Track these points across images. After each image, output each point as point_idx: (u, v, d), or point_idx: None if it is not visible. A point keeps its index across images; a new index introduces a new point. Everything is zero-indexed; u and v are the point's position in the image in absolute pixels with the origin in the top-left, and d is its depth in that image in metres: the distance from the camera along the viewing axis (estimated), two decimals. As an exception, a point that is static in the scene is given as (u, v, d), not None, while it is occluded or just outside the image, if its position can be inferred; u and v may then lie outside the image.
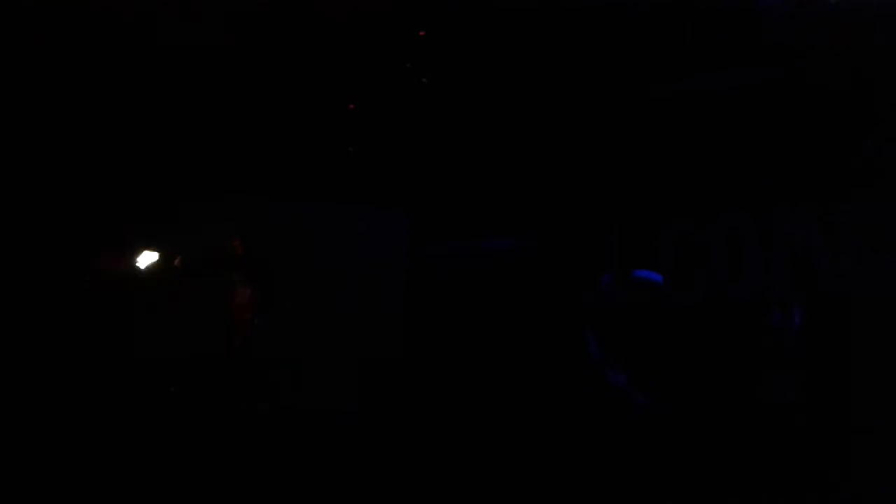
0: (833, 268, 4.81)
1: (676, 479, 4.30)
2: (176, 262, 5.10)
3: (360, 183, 5.35)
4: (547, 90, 5.16)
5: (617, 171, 5.18)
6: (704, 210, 5.11)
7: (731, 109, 5.18)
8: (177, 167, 5.44)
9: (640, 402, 4.46)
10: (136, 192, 5.40)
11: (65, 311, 5.35)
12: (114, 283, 5.47)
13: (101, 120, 5.28)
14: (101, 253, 5.47)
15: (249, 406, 4.95)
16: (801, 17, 5.05)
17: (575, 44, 4.96)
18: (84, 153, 5.35)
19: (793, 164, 5.03)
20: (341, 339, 5.44)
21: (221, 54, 5.00)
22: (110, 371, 5.21)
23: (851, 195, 4.86)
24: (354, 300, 5.48)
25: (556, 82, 5.13)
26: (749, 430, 4.51)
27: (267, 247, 5.21)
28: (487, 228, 5.37)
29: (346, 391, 5.16)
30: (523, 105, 5.21)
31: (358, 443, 4.65)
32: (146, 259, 5.21)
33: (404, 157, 5.33)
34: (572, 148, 5.20)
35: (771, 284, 4.85)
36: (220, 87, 5.12)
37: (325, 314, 5.41)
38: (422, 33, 4.78)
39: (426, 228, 5.46)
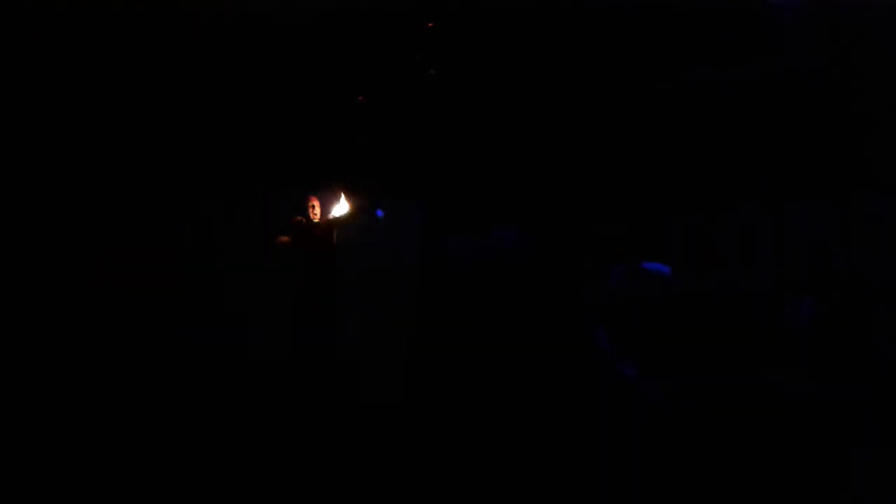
0: (846, 262, 4.81)
1: (689, 473, 4.30)
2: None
3: (370, 174, 5.34)
4: (555, 81, 5.15)
5: (627, 163, 5.18)
6: (715, 203, 5.12)
7: (739, 105, 5.18)
8: (184, 164, 5.42)
9: (651, 395, 4.45)
10: (145, 191, 5.38)
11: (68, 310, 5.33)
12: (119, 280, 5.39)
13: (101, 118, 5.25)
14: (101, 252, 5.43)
15: None
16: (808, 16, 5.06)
17: (583, 35, 4.97)
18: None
19: (805, 158, 5.04)
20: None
21: (227, 48, 4.99)
22: (120, 368, 5.18)
23: (864, 190, 4.86)
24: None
25: (565, 73, 5.13)
26: (760, 424, 4.51)
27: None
28: (496, 221, 5.36)
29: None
30: (531, 97, 5.20)
31: (368, 433, 4.64)
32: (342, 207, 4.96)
33: (415, 149, 5.32)
34: (582, 139, 5.19)
35: (783, 278, 4.85)
36: (226, 81, 5.11)
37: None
38: (430, 25, 4.78)
39: (435, 221, 5.44)
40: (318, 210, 4.81)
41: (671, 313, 4.71)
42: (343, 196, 4.80)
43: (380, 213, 4.85)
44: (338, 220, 4.80)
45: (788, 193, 5.01)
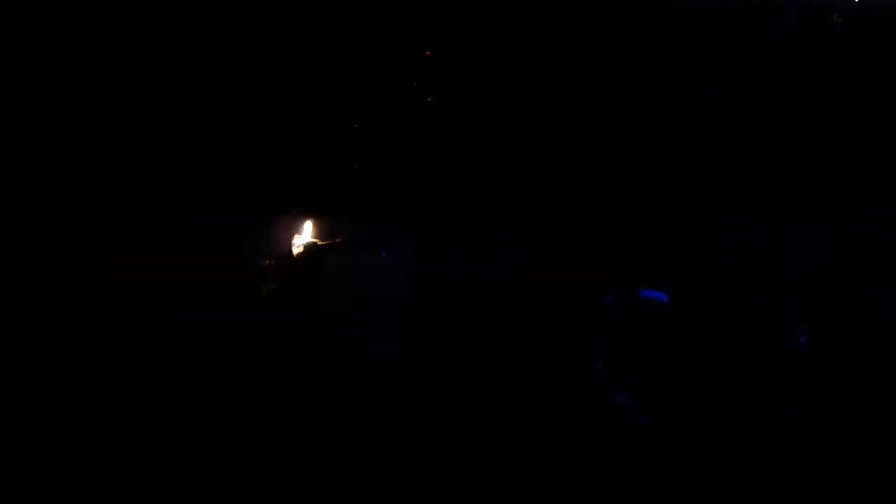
0: (841, 285, 4.81)
1: (680, 500, 4.31)
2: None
3: (366, 200, 5.36)
4: (553, 107, 5.18)
5: (622, 189, 5.19)
6: (709, 226, 5.12)
7: (732, 121, 5.19)
8: (179, 189, 5.42)
9: (645, 423, 4.47)
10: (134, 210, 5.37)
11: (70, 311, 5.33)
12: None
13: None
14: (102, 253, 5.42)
15: None
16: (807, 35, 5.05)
17: (578, 66, 4.99)
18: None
19: (800, 177, 5.04)
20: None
21: (220, 70, 5.02)
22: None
23: (859, 213, 4.86)
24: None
25: (563, 100, 5.15)
26: (755, 450, 4.52)
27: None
28: (491, 246, 5.38)
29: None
30: (527, 124, 5.22)
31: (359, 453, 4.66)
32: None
33: (410, 175, 5.35)
34: (576, 167, 5.21)
35: (777, 304, 4.85)
36: (221, 106, 5.14)
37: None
38: (427, 53, 4.81)
39: (429, 246, 5.47)
40: (300, 239, 4.63)
41: (667, 340, 4.72)
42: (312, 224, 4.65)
43: (384, 253, 4.77)
44: (325, 247, 4.65)
45: (784, 216, 5.02)
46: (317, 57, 4.94)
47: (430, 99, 4.96)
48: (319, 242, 4.68)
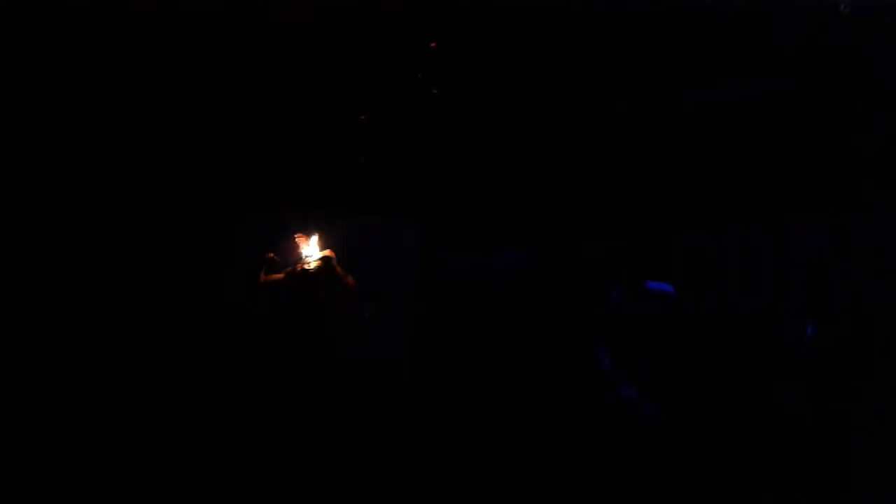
0: (846, 281, 4.82)
1: (686, 492, 4.31)
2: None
3: (371, 193, 5.36)
4: (558, 100, 5.18)
5: (627, 182, 5.20)
6: (717, 222, 5.13)
7: (739, 119, 5.19)
8: (186, 183, 5.40)
9: (652, 415, 4.46)
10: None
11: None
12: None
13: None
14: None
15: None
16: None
17: (584, 57, 4.99)
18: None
19: (805, 175, 5.04)
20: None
21: (230, 65, 5.02)
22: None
23: (865, 208, 4.87)
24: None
25: (565, 94, 5.15)
26: (760, 442, 4.52)
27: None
28: (498, 240, 5.38)
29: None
30: (533, 115, 5.22)
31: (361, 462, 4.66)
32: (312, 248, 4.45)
33: (415, 168, 5.35)
34: (583, 160, 5.21)
35: (784, 297, 4.86)
36: (228, 98, 5.14)
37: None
38: (433, 45, 4.81)
39: (436, 239, 5.47)
40: (306, 248, 4.35)
41: (673, 332, 4.72)
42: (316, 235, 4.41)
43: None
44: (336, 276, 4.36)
45: (788, 213, 5.02)
46: (322, 50, 4.93)
47: (435, 91, 4.95)
48: (335, 262, 4.39)
